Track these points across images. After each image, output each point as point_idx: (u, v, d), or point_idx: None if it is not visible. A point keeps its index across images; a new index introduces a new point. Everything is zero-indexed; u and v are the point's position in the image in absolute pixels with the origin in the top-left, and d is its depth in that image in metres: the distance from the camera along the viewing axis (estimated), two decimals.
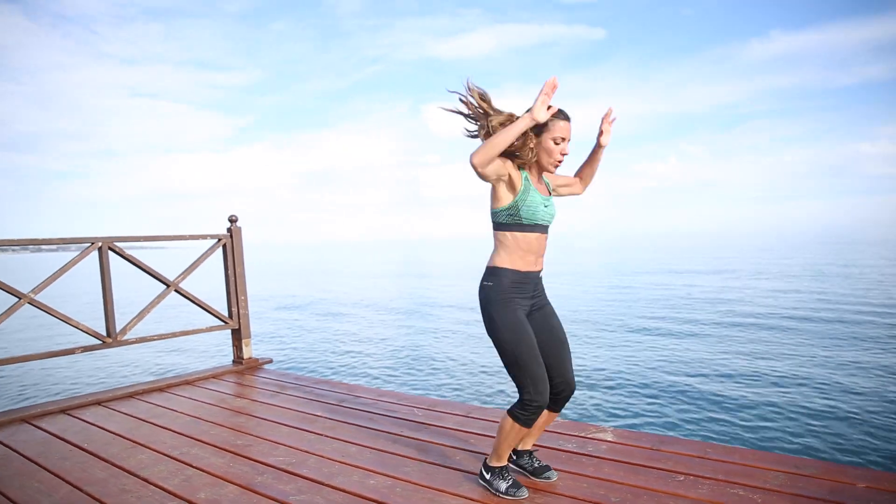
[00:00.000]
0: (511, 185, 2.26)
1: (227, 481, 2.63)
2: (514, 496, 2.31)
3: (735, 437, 5.78)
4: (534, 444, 2.67)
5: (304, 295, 24.45)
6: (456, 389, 8.42)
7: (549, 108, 2.10)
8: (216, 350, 12.11)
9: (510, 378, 2.28)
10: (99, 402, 4.10)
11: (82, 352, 4.27)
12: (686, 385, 7.83)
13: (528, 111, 2.10)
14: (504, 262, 2.30)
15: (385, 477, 2.61)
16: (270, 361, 5.26)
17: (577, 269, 31.93)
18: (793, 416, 6.33)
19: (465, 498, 2.36)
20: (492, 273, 2.31)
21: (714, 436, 5.84)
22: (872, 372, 8.04)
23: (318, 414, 3.60)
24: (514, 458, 2.55)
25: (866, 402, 6.72)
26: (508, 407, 2.31)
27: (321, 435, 3.21)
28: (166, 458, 2.96)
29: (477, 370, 9.44)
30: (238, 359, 5.13)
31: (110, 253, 4.38)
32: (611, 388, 7.92)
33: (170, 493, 2.54)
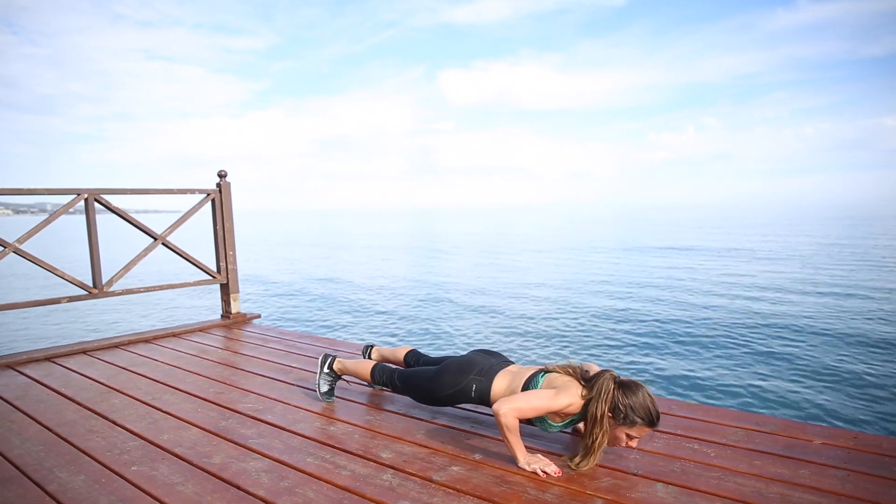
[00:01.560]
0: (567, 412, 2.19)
1: (191, 424, 2.67)
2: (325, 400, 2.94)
3: (706, 396, 5.80)
4: None
5: (310, 260, 24.59)
6: (433, 343, 8.51)
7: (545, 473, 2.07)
8: (209, 307, 12.27)
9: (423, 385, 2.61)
10: (85, 351, 4.16)
11: (68, 301, 4.32)
12: (665, 345, 7.83)
13: (527, 455, 2.12)
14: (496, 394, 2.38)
15: (347, 424, 2.63)
16: (258, 317, 5.30)
17: (572, 244, 31.75)
18: (771, 378, 6.33)
19: (420, 445, 2.37)
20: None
21: (688, 394, 5.85)
22: (841, 338, 8.09)
23: (294, 365, 3.63)
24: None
25: (847, 366, 6.73)
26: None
27: (293, 385, 3.24)
28: (138, 402, 3.01)
29: (461, 331, 9.49)
30: (226, 313, 5.17)
31: (103, 211, 4.41)
32: (591, 345, 7.94)
33: (135, 434, 2.58)
